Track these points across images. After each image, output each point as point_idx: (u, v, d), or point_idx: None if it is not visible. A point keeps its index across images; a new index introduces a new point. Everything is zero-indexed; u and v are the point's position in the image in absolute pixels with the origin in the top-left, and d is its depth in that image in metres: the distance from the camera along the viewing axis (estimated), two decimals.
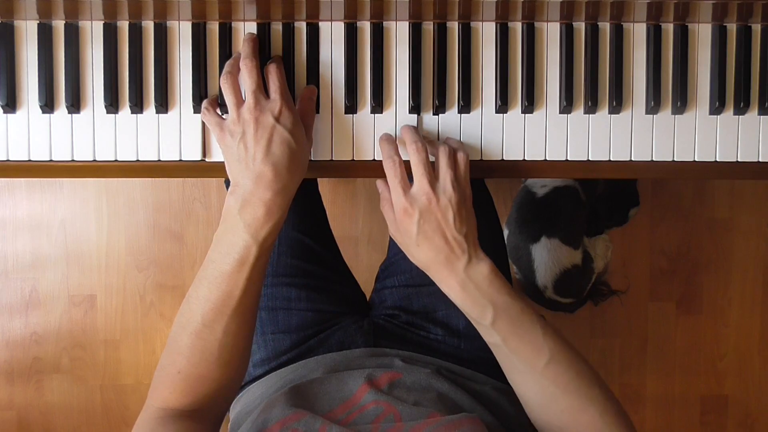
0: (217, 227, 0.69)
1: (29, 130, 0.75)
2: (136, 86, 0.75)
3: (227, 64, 0.71)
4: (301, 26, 0.76)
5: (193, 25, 0.75)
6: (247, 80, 0.68)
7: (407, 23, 0.76)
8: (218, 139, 0.70)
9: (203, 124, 0.75)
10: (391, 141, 0.73)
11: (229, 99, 0.69)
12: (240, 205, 0.66)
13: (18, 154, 0.75)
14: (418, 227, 0.68)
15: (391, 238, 1.01)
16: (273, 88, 0.69)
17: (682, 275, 1.74)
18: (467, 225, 0.70)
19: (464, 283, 0.69)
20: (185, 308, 0.69)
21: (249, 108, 0.67)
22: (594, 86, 0.76)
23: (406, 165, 0.71)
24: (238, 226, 0.66)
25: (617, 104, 0.76)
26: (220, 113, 0.73)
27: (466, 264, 0.69)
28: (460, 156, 0.71)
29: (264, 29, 0.75)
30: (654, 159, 0.78)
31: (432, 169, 0.70)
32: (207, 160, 0.76)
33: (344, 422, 0.70)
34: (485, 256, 0.70)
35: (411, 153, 0.70)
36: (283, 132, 0.67)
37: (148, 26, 0.75)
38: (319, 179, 1.05)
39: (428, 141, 0.74)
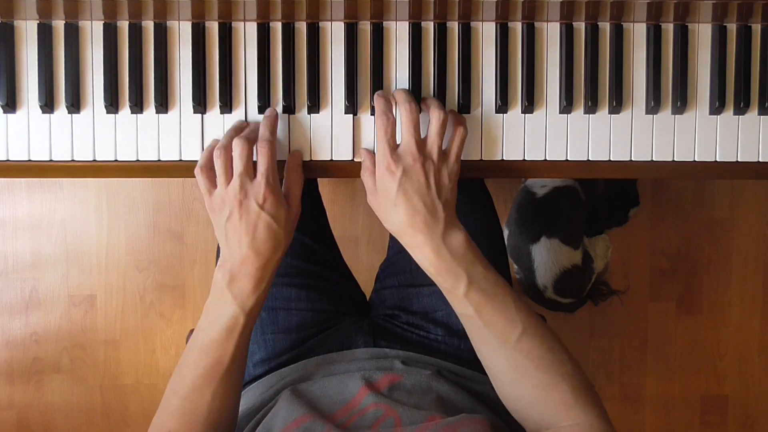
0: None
1: (29, 130, 0.75)
2: (136, 86, 0.75)
3: (225, 136, 0.72)
4: (301, 26, 0.76)
5: (193, 25, 0.75)
6: (237, 161, 0.69)
7: (407, 23, 0.76)
8: (207, 207, 0.72)
9: (203, 123, 0.75)
10: (387, 99, 0.73)
11: (219, 175, 0.70)
12: (228, 279, 0.69)
13: (18, 154, 0.75)
14: (399, 185, 0.68)
15: (391, 237, 1.01)
16: (260, 169, 0.69)
17: (682, 275, 1.74)
18: (449, 195, 0.70)
19: (440, 250, 0.68)
20: (177, 373, 0.72)
21: (234, 190, 0.69)
22: (594, 86, 0.76)
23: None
24: (226, 297, 0.69)
25: (617, 104, 0.76)
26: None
27: (443, 230, 0.68)
28: (460, 131, 0.72)
29: (264, 29, 0.75)
30: (654, 159, 0.77)
31: (420, 132, 0.70)
32: None
33: (344, 426, 0.70)
34: (462, 227, 0.70)
35: (402, 112, 0.71)
36: (266, 218, 0.69)
37: (148, 26, 0.75)
38: (319, 179, 1.05)
39: (425, 103, 0.74)
